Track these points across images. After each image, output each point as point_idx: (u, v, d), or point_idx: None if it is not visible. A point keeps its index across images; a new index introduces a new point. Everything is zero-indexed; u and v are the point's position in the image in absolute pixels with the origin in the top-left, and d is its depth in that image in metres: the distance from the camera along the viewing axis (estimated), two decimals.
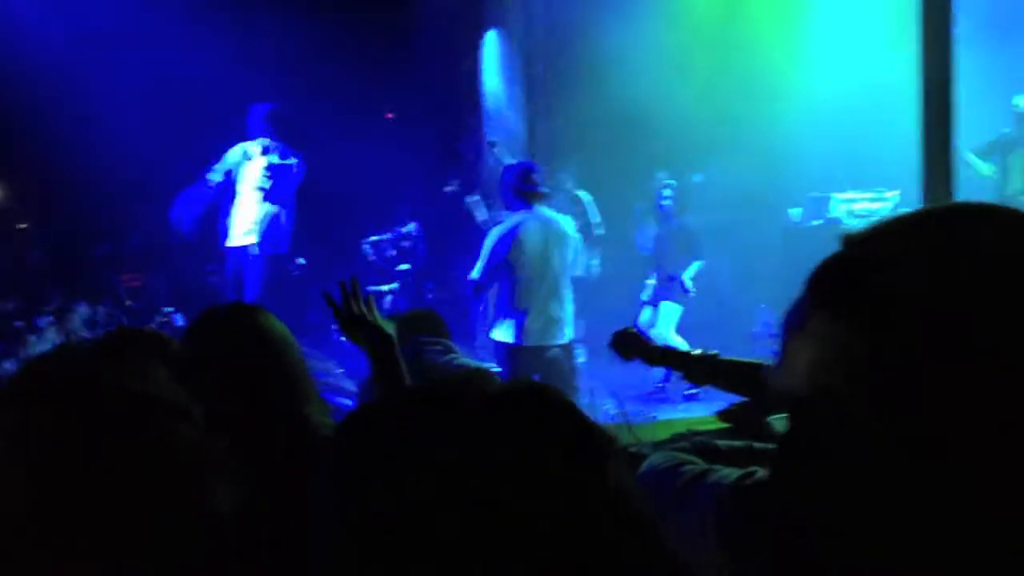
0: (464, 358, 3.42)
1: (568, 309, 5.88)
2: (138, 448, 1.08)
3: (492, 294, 5.91)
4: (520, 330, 5.71)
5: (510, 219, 5.76)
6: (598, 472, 0.74)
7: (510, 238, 5.66)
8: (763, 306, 9.20)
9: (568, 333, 5.88)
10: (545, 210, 5.77)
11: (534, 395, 0.76)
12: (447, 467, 0.70)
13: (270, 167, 7.67)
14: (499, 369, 5.63)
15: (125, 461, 1.07)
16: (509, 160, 9.06)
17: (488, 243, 5.75)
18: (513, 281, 5.71)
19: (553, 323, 5.77)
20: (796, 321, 0.79)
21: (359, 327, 2.37)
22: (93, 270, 10.56)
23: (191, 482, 1.11)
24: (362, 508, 0.70)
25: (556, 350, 5.78)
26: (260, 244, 7.70)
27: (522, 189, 5.73)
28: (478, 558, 0.68)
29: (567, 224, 5.93)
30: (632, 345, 2.72)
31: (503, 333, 5.77)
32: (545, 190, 5.82)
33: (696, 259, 8.17)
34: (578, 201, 8.79)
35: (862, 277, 0.75)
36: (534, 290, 5.69)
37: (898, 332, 0.71)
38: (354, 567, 0.70)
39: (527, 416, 0.74)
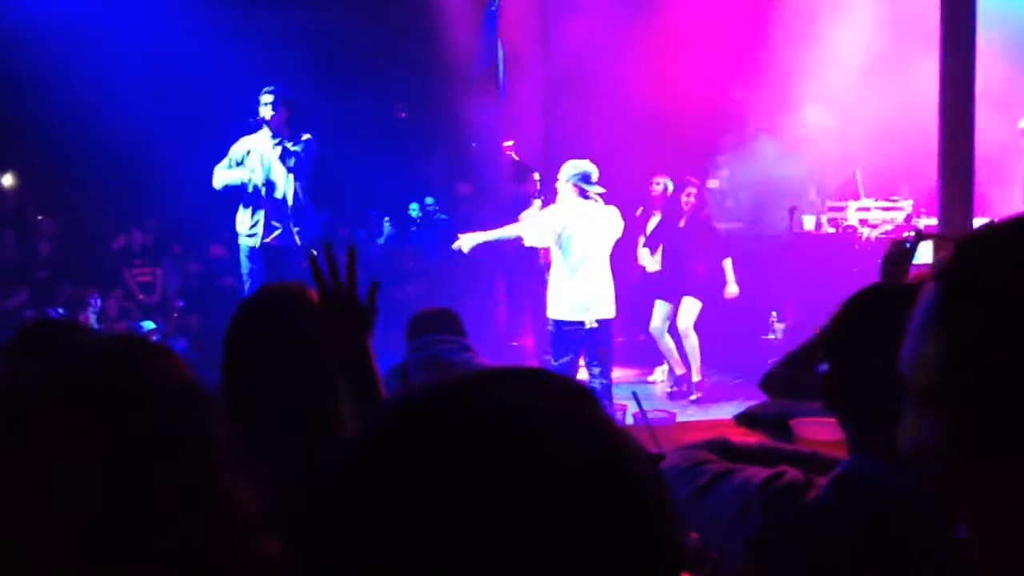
0: (480, 357, 3.40)
1: (611, 288, 6.63)
2: (158, 438, 1.07)
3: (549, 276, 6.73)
4: (573, 307, 6.47)
5: (568, 206, 6.49)
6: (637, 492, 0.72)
7: (566, 220, 6.44)
8: (774, 313, 9.18)
9: (611, 310, 6.60)
10: (596, 203, 6.55)
11: (577, 401, 0.73)
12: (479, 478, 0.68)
13: (289, 157, 7.56)
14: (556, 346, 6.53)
15: (146, 451, 1.06)
16: (523, 163, 9.09)
17: (546, 216, 6.64)
18: (567, 263, 6.48)
19: (601, 301, 6.52)
20: (924, 314, 0.79)
21: (338, 305, 2.01)
22: (105, 263, 10.58)
23: (210, 472, 1.10)
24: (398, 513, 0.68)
25: (603, 325, 6.50)
26: (302, 238, 7.64)
27: (580, 184, 6.47)
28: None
29: (612, 214, 6.63)
30: (900, 263, 2.61)
31: (557, 310, 6.51)
32: (601, 188, 6.54)
33: (724, 256, 8.22)
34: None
35: (989, 269, 0.76)
36: (585, 271, 6.46)
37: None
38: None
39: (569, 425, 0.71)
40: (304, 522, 0.73)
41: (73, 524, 1.01)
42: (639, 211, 8.63)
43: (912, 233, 2.62)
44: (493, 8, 10.01)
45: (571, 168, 6.50)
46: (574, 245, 6.42)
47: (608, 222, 6.52)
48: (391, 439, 0.72)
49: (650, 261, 8.46)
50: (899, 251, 2.61)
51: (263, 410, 1.98)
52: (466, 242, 6.67)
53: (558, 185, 6.58)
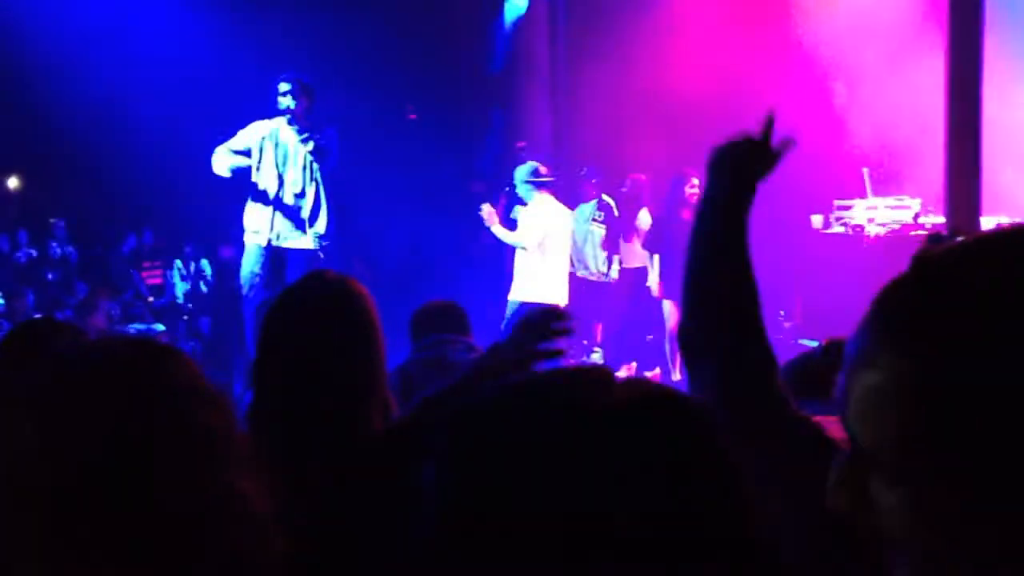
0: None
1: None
2: (171, 439, 1.08)
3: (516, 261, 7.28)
4: (546, 293, 7.03)
5: (539, 206, 7.10)
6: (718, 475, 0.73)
7: (544, 219, 7.06)
8: (782, 313, 9.15)
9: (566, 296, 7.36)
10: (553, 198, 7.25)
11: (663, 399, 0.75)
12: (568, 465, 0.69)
13: (323, 154, 6.83)
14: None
15: (157, 452, 1.07)
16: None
17: (529, 220, 7.16)
18: (543, 253, 7.06)
19: (563, 286, 7.24)
20: (861, 353, 0.73)
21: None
22: (115, 265, 10.62)
23: (220, 476, 1.11)
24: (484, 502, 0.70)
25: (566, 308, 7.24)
26: (323, 245, 6.93)
27: (534, 180, 7.06)
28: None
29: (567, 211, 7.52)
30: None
31: (523, 294, 7.03)
32: (552, 178, 7.23)
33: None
34: (606, 206, 8.75)
35: (936, 308, 0.69)
36: (554, 262, 7.14)
37: (979, 369, 0.66)
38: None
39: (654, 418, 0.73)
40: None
41: (80, 524, 1.02)
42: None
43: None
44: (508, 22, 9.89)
45: (522, 172, 7.13)
46: (550, 238, 7.07)
47: (566, 213, 7.40)
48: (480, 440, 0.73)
49: (656, 284, 8.34)
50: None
51: (293, 400, 1.95)
52: (491, 219, 7.08)
53: (520, 191, 7.14)
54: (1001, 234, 0.73)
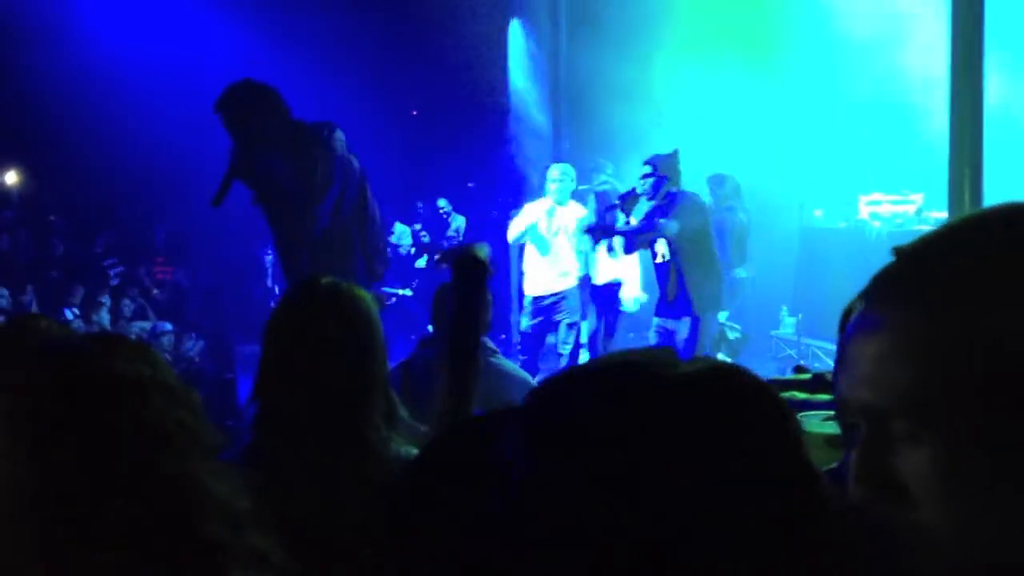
0: (502, 359, 3.29)
1: None
2: (131, 432, 1.08)
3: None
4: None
5: None
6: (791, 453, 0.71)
7: None
8: (785, 307, 9.13)
9: None
10: None
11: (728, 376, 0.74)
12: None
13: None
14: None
15: (118, 445, 1.08)
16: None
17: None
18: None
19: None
20: (859, 324, 0.76)
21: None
22: (122, 262, 10.62)
23: (183, 467, 1.11)
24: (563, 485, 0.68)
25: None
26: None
27: None
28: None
29: None
30: None
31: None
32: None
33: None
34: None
35: (930, 268, 0.73)
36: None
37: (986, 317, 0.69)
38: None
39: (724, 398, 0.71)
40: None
41: (44, 519, 1.02)
42: None
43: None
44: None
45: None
46: None
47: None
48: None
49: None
50: None
51: (295, 406, 1.98)
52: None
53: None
54: (983, 212, 0.77)
